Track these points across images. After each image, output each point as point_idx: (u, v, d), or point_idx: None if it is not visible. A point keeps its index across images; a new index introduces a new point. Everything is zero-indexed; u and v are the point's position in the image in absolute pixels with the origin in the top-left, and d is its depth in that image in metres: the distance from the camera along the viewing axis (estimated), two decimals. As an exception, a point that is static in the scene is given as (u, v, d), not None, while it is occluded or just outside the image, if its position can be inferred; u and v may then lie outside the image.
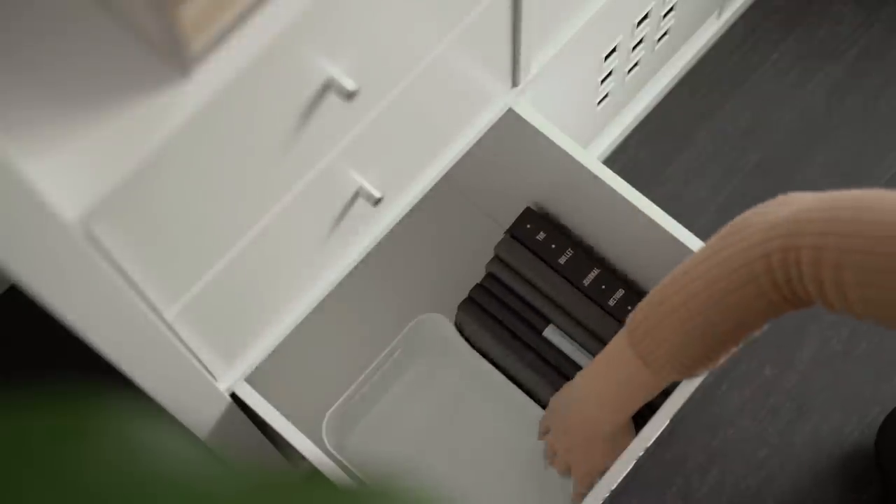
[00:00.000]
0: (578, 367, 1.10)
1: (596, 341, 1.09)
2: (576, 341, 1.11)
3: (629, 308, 1.08)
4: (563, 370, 1.11)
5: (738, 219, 0.76)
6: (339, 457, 1.08)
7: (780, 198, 0.75)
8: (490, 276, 1.15)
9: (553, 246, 1.11)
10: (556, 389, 1.11)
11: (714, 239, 0.77)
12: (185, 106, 0.60)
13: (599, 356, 0.89)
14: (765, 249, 0.71)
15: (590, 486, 0.96)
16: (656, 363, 0.82)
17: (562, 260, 1.10)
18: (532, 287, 1.12)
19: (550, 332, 1.11)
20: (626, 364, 0.84)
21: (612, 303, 1.08)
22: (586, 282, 1.09)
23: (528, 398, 1.17)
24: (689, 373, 0.82)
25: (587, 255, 1.11)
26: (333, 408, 1.12)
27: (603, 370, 0.88)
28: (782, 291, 0.72)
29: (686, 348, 0.79)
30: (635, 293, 1.09)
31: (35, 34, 0.60)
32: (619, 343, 0.85)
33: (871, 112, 1.48)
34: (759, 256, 0.72)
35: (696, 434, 1.33)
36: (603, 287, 1.09)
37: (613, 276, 1.09)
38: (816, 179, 1.45)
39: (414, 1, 0.74)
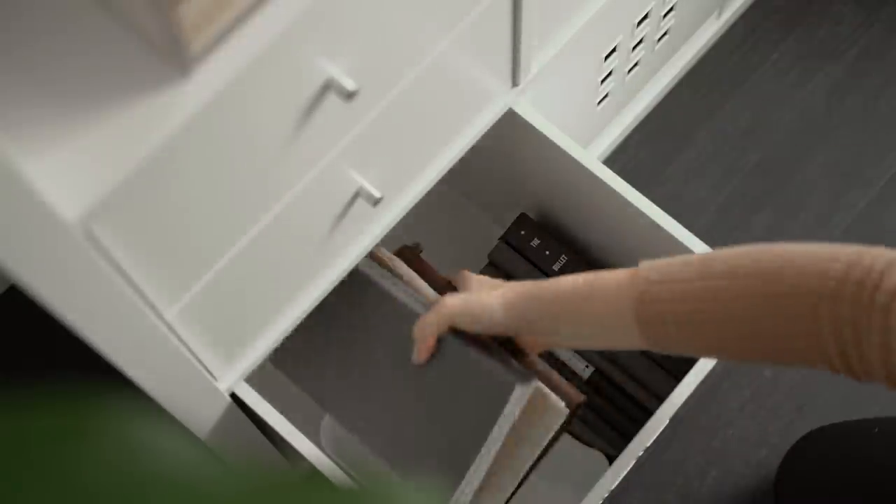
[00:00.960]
0: (572, 372, 1.10)
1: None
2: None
3: None
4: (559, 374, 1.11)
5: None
6: (336, 459, 1.08)
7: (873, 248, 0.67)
8: (485, 281, 1.15)
9: (547, 252, 1.11)
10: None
11: (783, 252, 0.68)
12: (185, 106, 0.60)
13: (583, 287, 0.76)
14: (841, 279, 0.64)
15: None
16: (660, 343, 0.73)
17: (556, 267, 1.10)
18: (527, 293, 1.12)
19: None
20: (616, 314, 0.73)
21: None
22: None
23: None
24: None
25: (581, 261, 1.11)
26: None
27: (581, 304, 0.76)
28: (841, 330, 0.64)
29: (700, 349, 0.71)
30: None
31: (35, 34, 0.60)
32: (620, 299, 0.73)
33: (871, 112, 1.48)
34: (833, 279, 0.64)
35: (696, 434, 1.33)
36: None
37: None
38: (816, 179, 1.45)
39: (414, 1, 0.74)
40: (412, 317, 0.91)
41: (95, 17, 0.60)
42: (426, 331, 0.85)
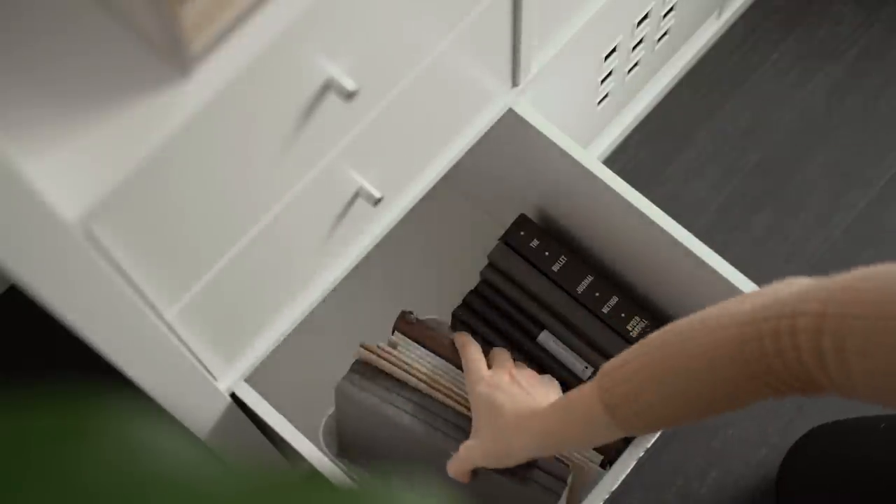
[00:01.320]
0: (572, 373, 1.10)
1: (589, 347, 1.09)
2: (570, 347, 1.11)
3: (622, 315, 1.08)
4: (558, 375, 1.11)
5: (737, 297, 0.73)
6: (335, 460, 1.08)
7: (783, 281, 0.71)
8: (484, 282, 1.15)
9: (546, 253, 1.11)
10: None
11: (704, 311, 0.73)
12: (185, 106, 0.60)
13: (559, 403, 0.85)
14: (756, 319, 0.68)
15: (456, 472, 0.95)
16: (630, 426, 0.78)
17: (555, 267, 1.10)
18: (526, 294, 1.12)
19: (544, 338, 1.11)
20: (592, 416, 0.80)
21: (605, 310, 1.08)
22: (580, 289, 1.09)
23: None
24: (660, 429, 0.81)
25: (581, 262, 1.11)
26: (331, 411, 1.12)
27: (561, 414, 0.84)
28: (770, 363, 0.68)
29: (665, 418, 0.76)
30: (629, 300, 1.09)
31: (35, 33, 0.60)
32: (589, 400, 0.80)
33: (871, 112, 1.48)
34: (749, 323, 0.69)
35: (696, 434, 1.33)
36: (596, 294, 1.09)
37: (607, 284, 1.09)
38: (816, 179, 1.45)
39: (414, 1, 0.74)
40: (424, 441, 0.99)
41: (95, 17, 0.60)
42: (457, 473, 0.94)
